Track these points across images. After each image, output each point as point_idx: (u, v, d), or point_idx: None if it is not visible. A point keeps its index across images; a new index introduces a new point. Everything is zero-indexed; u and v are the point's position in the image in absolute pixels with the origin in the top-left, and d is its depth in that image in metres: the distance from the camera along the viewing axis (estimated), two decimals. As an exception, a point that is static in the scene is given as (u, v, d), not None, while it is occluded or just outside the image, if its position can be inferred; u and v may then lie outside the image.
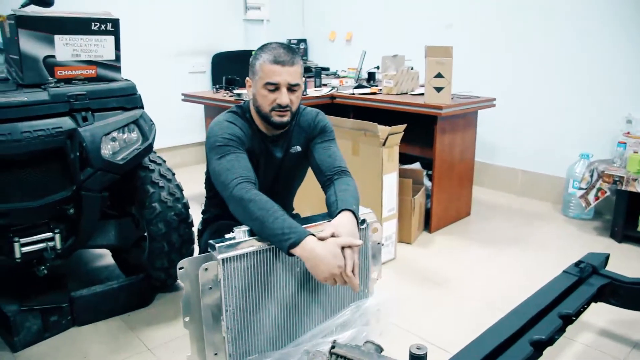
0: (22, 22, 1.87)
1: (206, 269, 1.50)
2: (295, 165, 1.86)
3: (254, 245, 1.53)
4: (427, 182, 3.24)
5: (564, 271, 2.00)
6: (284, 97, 1.64)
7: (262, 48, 1.68)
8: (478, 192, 3.84)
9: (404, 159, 3.49)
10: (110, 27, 2.05)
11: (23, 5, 2.23)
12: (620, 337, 2.09)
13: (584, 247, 2.84)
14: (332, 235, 1.48)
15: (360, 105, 3.32)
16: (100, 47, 2.05)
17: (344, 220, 1.53)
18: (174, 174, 2.28)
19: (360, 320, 1.82)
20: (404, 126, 2.62)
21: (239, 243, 1.52)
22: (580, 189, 3.18)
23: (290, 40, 5.08)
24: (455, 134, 3.11)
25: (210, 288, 1.53)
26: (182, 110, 4.21)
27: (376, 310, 1.84)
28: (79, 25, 1.98)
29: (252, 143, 1.73)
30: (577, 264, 2.00)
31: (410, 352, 1.13)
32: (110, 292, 2.18)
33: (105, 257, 2.67)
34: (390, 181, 2.65)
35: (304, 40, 5.16)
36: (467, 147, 3.24)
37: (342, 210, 1.55)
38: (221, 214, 1.91)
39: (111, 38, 2.07)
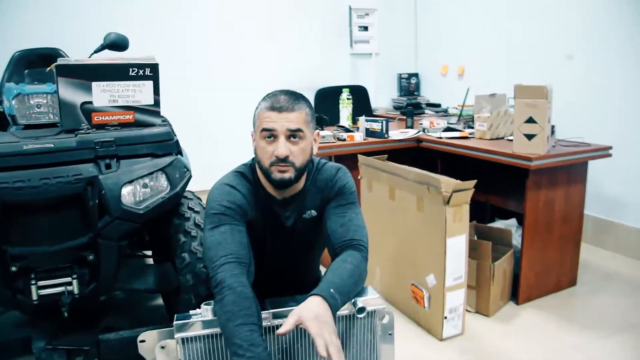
0: (60, 70, 1.94)
1: (163, 347, 1.36)
2: (310, 232, 1.62)
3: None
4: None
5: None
6: (281, 147, 1.41)
7: (264, 97, 1.49)
8: (594, 255, 3.22)
9: (498, 213, 3.07)
10: (149, 72, 2.05)
11: (96, 51, 2.34)
12: None
13: None
14: (297, 323, 1.25)
15: (446, 152, 2.97)
16: (138, 92, 2.05)
17: (309, 304, 1.27)
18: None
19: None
20: (473, 182, 2.25)
21: (203, 322, 1.36)
22: None
23: (400, 74, 4.83)
24: (555, 188, 2.63)
25: (169, 368, 1.38)
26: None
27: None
28: (117, 72, 2.00)
29: (257, 211, 1.54)
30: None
31: None
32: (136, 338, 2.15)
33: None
34: (458, 245, 2.29)
35: (416, 75, 4.87)
36: (573, 204, 2.72)
37: (311, 295, 1.30)
38: None
39: (150, 83, 2.06)
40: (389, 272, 2.74)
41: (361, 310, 1.41)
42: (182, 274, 2.06)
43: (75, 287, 1.92)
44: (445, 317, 2.33)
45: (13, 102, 2.10)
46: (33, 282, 1.86)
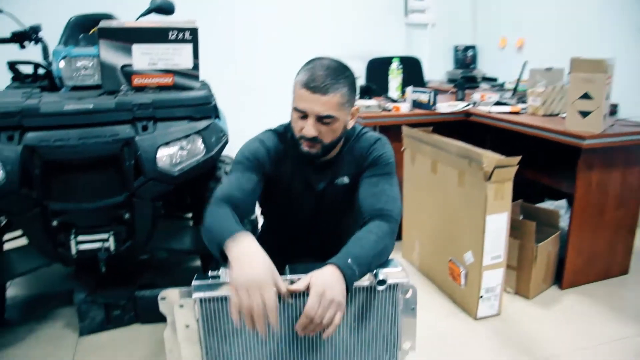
0: (102, 33, 1.98)
1: (181, 306, 1.38)
2: (340, 200, 1.60)
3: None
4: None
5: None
6: (308, 127, 1.40)
7: (306, 63, 1.45)
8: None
9: (549, 193, 2.92)
10: (189, 35, 2.05)
11: (143, 15, 2.37)
12: None
13: None
14: (308, 288, 1.22)
15: (496, 127, 2.84)
16: (177, 56, 2.06)
17: (323, 274, 1.23)
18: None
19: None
20: (517, 158, 2.14)
21: (221, 284, 1.37)
22: None
23: (457, 46, 4.64)
24: (610, 170, 2.46)
25: (188, 326, 1.40)
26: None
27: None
28: (156, 35, 2.02)
29: (284, 167, 1.55)
30: None
31: None
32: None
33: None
34: (498, 224, 2.20)
35: (473, 47, 4.66)
36: (629, 187, 2.54)
37: (327, 263, 1.27)
38: (266, 229, 1.80)
39: (189, 46, 2.07)
40: (428, 247, 2.69)
41: (382, 282, 1.37)
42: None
43: (111, 244, 1.99)
44: (481, 296, 2.26)
45: (60, 64, 2.16)
46: (72, 237, 1.94)
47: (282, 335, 1.42)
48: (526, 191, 2.72)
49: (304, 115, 1.41)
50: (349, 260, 1.28)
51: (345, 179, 1.56)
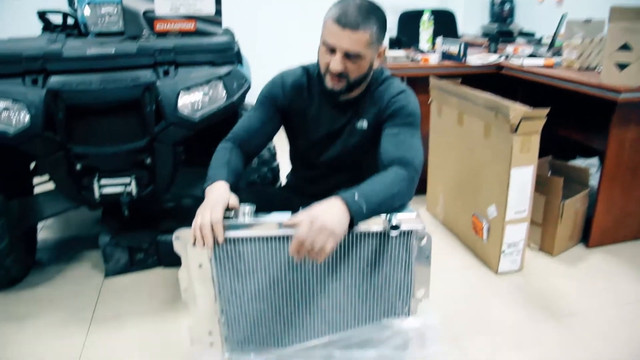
0: (122, -24, 1.95)
1: (194, 244, 1.40)
2: (357, 144, 1.58)
3: (252, 230, 1.37)
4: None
5: None
6: (335, 62, 1.40)
7: (338, 1, 1.44)
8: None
9: (581, 151, 2.82)
10: (210, -20, 2.02)
11: None
12: None
13: None
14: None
15: (528, 80, 2.74)
16: (199, 1, 2.04)
17: (324, 203, 1.23)
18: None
19: (392, 341, 1.53)
20: (545, 110, 2.06)
21: (233, 226, 1.37)
22: None
23: (493, -1, 4.47)
24: (647, 127, 2.36)
25: (201, 265, 1.43)
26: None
27: (420, 335, 1.53)
28: (178, -21, 1.99)
29: (302, 102, 1.57)
30: None
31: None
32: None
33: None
34: (523, 177, 2.14)
35: (510, 0, 4.46)
36: (667, 146, 2.43)
37: (333, 197, 1.26)
38: (291, 171, 1.81)
39: (211, -8, 2.04)
40: (452, 200, 2.65)
41: (395, 227, 1.35)
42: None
43: (133, 189, 2.02)
44: (503, 251, 2.23)
45: (85, 10, 2.17)
46: (96, 181, 1.98)
47: (293, 278, 1.44)
48: (557, 148, 2.64)
49: (332, 50, 1.41)
50: (356, 196, 1.27)
51: (365, 124, 1.55)
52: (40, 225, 2.71)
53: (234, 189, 1.42)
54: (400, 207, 1.44)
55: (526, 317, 1.99)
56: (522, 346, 1.83)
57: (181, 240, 1.41)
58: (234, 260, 1.40)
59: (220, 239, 1.31)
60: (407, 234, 1.41)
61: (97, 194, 1.99)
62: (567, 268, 2.34)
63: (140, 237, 2.24)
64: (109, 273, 2.24)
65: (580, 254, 2.46)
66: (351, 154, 1.61)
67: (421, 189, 2.93)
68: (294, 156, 1.75)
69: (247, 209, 1.38)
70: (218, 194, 1.36)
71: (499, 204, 2.20)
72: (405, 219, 1.39)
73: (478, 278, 2.26)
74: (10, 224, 2.07)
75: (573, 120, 2.69)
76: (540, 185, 2.31)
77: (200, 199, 2.25)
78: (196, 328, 1.52)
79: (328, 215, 1.20)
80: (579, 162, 2.68)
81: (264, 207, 1.44)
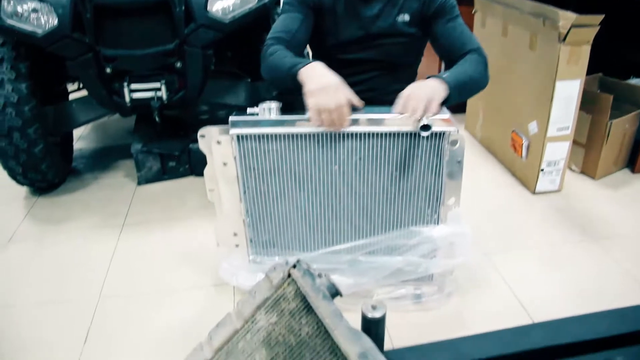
0: None
1: (219, 142, 1.38)
2: (394, 42, 1.52)
3: (278, 127, 1.33)
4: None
5: None
6: None
7: None
8: None
9: (636, 70, 2.62)
10: None
11: None
12: None
13: None
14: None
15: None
16: None
17: (422, 83, 1.32)
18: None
19: (419, 249, 1.50)
20: (599, 17, 1.90)
21: (258, 122, 1.34)
22: None
23: None
24: None
25: (225, 164, 1.41)
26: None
27: (448, 244, 1.49)
28: None
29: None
30: None
31: (362, 312, 0.83)
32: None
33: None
34: (568, 91, 2.01)
35: None
36: None
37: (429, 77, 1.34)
38: None
39: None
40: (492, 117, 2.54)
41: (426, 127, 1.27)
42: (269, 89, 2.07)
43: (163, 94, 2.00)
44: (542, 170, 2.14)
45: None
46: (126, 85, 1.96)
47: (319, 179, 1.40)
48: (608, 66, 2.46)
49: None
50: (444, 76, 1.34)
51: (407, 17, 1.50)
52: (76, 135, 2.75)
53: None
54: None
55: (562, 238, 1.92)
56: (556, 265, 1.77)
57: (206, 138, 1.39)
58: (259, 158, 1.38)
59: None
60: (439, 135, 1.35)
61: (127, 99, 1.98)
62: (609, 192, 2.23)
63: (172, 145, 2.24)
64: (141, 180, 2.27)
65: (625, 179, 2.33)
66: (389, 52, 1.55)
67: (461, 107, 2.82)
68: (321, 56, 1.68)
69: (274, 105, 1.34)
70: (327, 72, 1.29)
71: (541, 119, 2.08)
72: (439, 121, 1.32)
73: (514, 197, 2.19)
74: (45, 130, 2.09)
75: (630, 37, 2.48)
76: (587, 103, 2.17)
77: (231, 107, 2.22)
78: (222, 229, 1.53)
79: (424, 84, 1.31)
80: (633, 82, 2.49)
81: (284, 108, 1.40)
